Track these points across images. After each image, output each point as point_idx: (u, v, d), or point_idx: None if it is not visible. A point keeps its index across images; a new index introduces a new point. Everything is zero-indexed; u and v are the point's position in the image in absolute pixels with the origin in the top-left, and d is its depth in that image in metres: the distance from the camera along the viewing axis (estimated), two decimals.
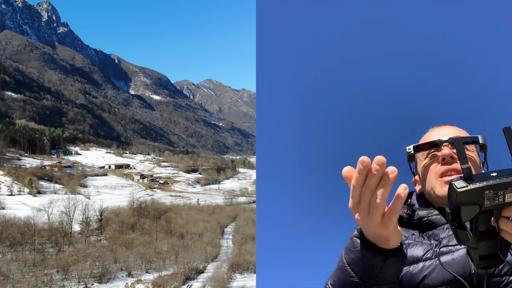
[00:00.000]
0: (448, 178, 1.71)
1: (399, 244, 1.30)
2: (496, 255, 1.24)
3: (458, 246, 1.53)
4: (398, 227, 1.26)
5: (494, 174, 1.14)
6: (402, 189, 1.14)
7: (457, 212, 1.18)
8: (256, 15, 5.17)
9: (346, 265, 1.35)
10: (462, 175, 1.63)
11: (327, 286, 1.46)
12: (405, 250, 1.35)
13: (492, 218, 1.18)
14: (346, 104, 5.16)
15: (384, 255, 1.28)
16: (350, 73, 5.18)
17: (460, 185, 1.16)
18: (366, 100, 5.07)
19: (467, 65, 4.93)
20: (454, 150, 1.73)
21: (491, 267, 1.31)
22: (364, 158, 1.11)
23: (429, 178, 1.78)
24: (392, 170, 1.12)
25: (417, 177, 1.93)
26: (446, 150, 1.75)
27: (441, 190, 1.72)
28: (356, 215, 1.19)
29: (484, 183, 1.13)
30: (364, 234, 1.29)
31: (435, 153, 1.80)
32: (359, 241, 1.31)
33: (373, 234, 1.25)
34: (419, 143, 1.90)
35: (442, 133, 1.85)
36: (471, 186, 1.14)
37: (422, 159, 1.85)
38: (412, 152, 1.88)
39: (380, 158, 1.10)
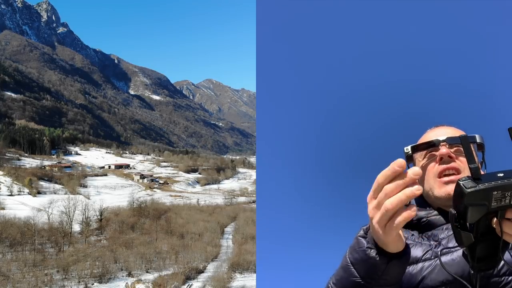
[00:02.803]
0: (446, 179, 1.71)
1: (403, 248, 1.28)
2: (493, 257, 1.23)
3: (458, 247, 1.52)
4: (401, 233, 1.24)
5: (501, 174, 1.12)
6: (411, 211, 1.13)
7: (464, 213, 1.15)
8: (256, 15, 5.18)
9: (350, 264, 1.34)
10: (457, 172, 1.69)
11: (329, 285, 1.45)
12: (409, 254, 1.33)
13: (495, 220, 1.16)
14: (345, 104, 5.18)
15: (388, 257, 1.27)
16: (350, 73, 5.19)
17: (469, 185, 1.12)
18: (366, 100, 5.09)
19: (466, 65, 4.95)
20: (452, 150, 1.74)
21: (488, 270, 1.30)
22: (401, 161, 1.12)
23: (427, 179, 1.77)
24: (417, 188, 1.12)
25: None
26: (443, 150, 1.74)
27: (440, 191, 1.71)
28: (369, 208, 1.20)
29: (493, 184, 1.10)
30: (370, 228, 1.28)
31: (433, 153, 1.79)
32: (364, 241, 1.30)
33: (376, 230, 1.23)
34: (417, 143, 1.90)
35: (440, 133, 1.84)
36: (481, 187, 1.11)
37: (420, 159, 1.85)
38: (410, 152, 1.88)
39: (415, 170, 1.12)
